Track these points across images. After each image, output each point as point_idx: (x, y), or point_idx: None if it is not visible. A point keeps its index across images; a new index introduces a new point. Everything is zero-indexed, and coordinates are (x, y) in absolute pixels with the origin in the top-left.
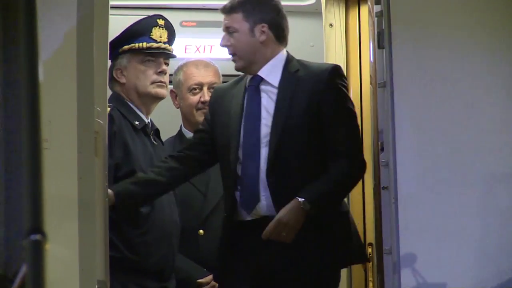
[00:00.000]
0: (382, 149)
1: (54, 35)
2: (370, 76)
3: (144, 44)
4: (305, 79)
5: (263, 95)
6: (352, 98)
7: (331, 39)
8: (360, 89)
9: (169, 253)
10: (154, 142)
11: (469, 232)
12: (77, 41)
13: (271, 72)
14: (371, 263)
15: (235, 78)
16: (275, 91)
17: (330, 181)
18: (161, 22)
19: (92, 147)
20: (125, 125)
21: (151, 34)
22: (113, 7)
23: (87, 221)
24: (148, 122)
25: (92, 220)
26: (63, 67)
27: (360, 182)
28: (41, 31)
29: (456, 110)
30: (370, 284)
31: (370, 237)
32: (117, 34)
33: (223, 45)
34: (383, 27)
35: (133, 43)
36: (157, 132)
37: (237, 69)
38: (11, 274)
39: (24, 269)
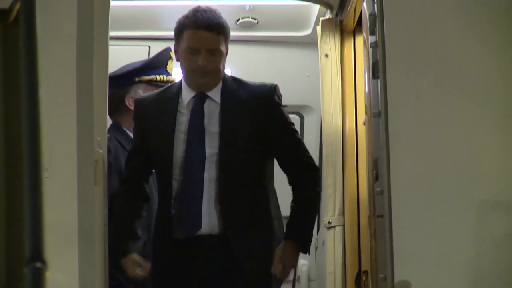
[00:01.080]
0: (377, 178)
1: (54, 65)
2: (365, 105)
3: (164, 77)
4: (247, 98)
5: (206, 112)
6: (347, 127)
7: (327, 69)
8: (355, 118)
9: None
10: None
11: (463, 259)
12: (77, 72)
13: (215, 90)
14: None
15: (156, 90)
16: (218, 108)
17: (312, 212)
18: (172, 55)
19: (91, 176)
20: (122, 154)
21: (167, 66)
22: (112, 38)
23: (87, 249)
24: None
25: (91, 248)
26: (63, 98)
27: (356, 211)
28: (41, 62)
29: (451, 138)
30: None
31: (365, 265)
32: (115, 64)
33: (206, 65)
34: (378, 58)
35: (153, 74)
36: None
37: (206, 87)
38: None
39: None
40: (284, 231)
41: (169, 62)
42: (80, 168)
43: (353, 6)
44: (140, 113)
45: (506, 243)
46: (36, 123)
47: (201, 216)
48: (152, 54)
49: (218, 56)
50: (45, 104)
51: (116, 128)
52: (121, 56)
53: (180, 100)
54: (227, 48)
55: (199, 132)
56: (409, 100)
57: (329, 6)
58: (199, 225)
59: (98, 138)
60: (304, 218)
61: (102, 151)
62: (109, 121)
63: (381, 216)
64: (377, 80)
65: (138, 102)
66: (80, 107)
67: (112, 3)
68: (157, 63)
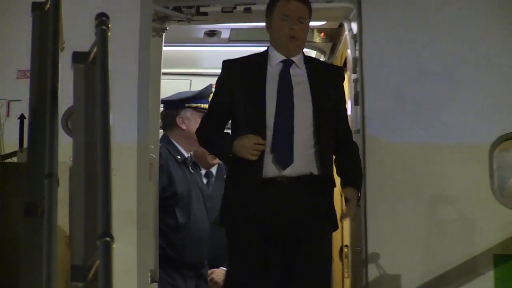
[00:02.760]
0: None
1: (121, 95)
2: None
3: (205, 106)
4: (325, 70)
5: (296, 74)
6: None
7: None
8: None
9: (201, 251)
10: (192, 171)
11: (418, 237)
12: (137, 99)
13: (299, 60)
14: (347, 260)
15: (242, 56)
16: (303, 74)
17: (360, 166)
18: (213, 89)
19: (147, 174)
20: (170, 158)
21: (208, 98)
22: (164, 74)
23: (143, 228)
24: (188, 156)
25: (146, 227)
26: (127, 118)
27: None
28: (111, 91)
29: (412, 150)
30: (346, 275)
31: (346, 240)
32: (166, 93)
33: (296, 30)
34: (358, 90)
35: (199, 103)
36: (195, 163)
37: (294, 52)
38: (88, 265)
39: (97, 262)
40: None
41: (210, 95)
42: (139, 169)
43: (340, 52)
44: (230, 73)
45: (449, 226)
46: (107, 137)
47: (293, 154)
48: (192, 87)
49: (305, 24)
50: (114, 123)
51: (166, 139)
52: (171, 87)
53: (268, 64)
54: (309, 21)
55: (289, 90)
56: (381, 121)
57: (323, 52)
58: (291, 160)
59: (152, 147)
60: (357, 169)
61: (155, 156)
62: (160, 134)
63: (359, 205)
64: (357, 106)
65: (229, 64)
66: (139, 125)
67: (164, 48)
68: (203, 95)
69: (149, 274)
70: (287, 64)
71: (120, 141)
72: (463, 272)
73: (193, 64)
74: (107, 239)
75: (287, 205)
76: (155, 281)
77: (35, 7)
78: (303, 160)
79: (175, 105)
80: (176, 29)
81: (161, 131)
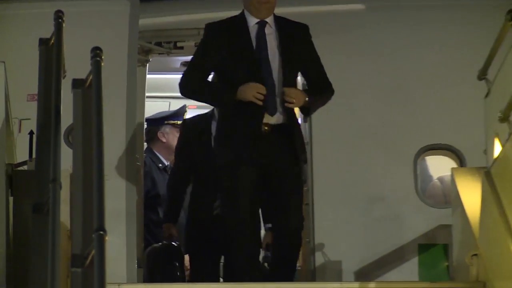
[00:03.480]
0: (305, 182)
1: (112, 115)
2: None
3: (180, 122)
4: (292, 27)
5: (269, 34)
6: None
7: None
8: None
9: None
10: None
11: (356, 230)
12: (126, 118)
13: (271, 20)
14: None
15: (224, 19)
16: (274, 33)
17: (325, 90)
18: (186, 108)
19: (134, 179)
20: (153, 166)
21: (183, 116)
22: (148, 97)
23: (131, 223)
24: (167, 164)
25: (133, 222)
26: (117, 134)
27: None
28: (104, 112)
29: (350, 164)
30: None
31: None
32: (150, 112)
33: (268, 1)
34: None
35: (176, 120)
36: None
37: (266, 15)
38: (85, 254)
39: (93, 251)
40: None
41: (185, 113)
42: (127, 175)
43: None
44: (215, 35)
45: (382, 221)
46: (101, 149)
47: (276, 104)
48: (171, 108)
49: None
50: (106, 138)
51: (149, 150)
52: (153, 107)
53: (244, 27)
54: None
55: (264, 51)
56: (327, 136)
57: None
58: (275, 110)
59: (138, 156)
60: (321, 94)
61: (140, 164)
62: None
63: (307, 204)
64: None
65: (212, 26)
66: (127, 139)
67: (147, 76)
68: (179, 113)
69: (136, 261)
70: (262, 25)
71: (111, 152)
72: (393, 258)
73: (171, 89)
74: (101, 232)
75: (270, 149)
76: (141, 267)
77: (42, 42)
78: (289, 113)
79: (157, 122)
80: (157, 60)
81: (145, 144)
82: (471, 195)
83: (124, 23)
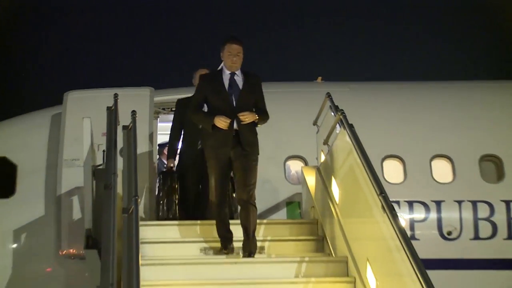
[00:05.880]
0: None
1: (141, 146)
2: None
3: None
4: (251, 77)
5: (236, 80)
6: None
7: None
8: None
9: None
10: None
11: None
12: (148, 143)
13: (239, 72)
14: None
15: (210, 72)
16: (241, 80)
17: (265, 114)
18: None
19: (152, 173)
20: (162, 166)
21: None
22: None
23: (149, 192)
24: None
25: (151, 194)
26: (143, 150)
27: None
28: (138, 146)
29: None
30: None
31: None
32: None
33: (236, 59)
34: None
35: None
36: None
37: (236, 68)
38: (129, 207)
39: (132, 206)
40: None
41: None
42: (149, 172)
43: None
44: (204, 81)
45: (268, 193)
46: (135, 157)
47: (234, 121)
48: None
49: (240, 54)
50: (139, 151)
51: (160, 160)
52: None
53: (223, 76)
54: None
55: (234, 91)
56: None
57: None
58: (233, 125)
59: (154, 162)
60: (262, 113)
61: (155, 166)
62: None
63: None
64: None
65: (203, 77)
66: (149, 156)
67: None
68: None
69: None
70: (232, 75)
71: (141, 158)
72: (275, 210)
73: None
74: (136, 197)
75: (239, 141)
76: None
77: (108, 108)
78: (245, 125)
79: (162, 147)
80: (164, 118)
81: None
82: (310, 179)
83: (147, 99)
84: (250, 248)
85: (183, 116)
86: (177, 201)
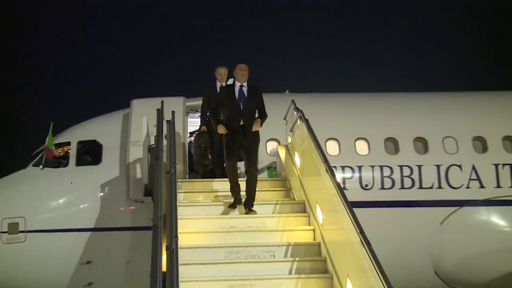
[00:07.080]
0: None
1: (178, 138)
2: None
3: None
4: (254, 88)
5: (243, 91)
6: None
7: None
8: None
9: None
10: None
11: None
12: (182, 132)
13: (246, 84)
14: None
15: (225, 85)
16: (246, 90)
17: (265, 116)
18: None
19: (183, 153)
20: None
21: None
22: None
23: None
24: None
25: (185, 164)
26: (178, 139)
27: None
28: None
29: None
30: None
31: None
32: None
33: (244, 74)
34: None
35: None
36: None
37: (244, 81)
38: (170, 171)
39: (172, 170)
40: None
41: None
42: (183, 149)
43: None
44: (221, 92)
45: (262, 162)
46: (174, 142)
47: (241, 121)
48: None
49: (246, 72)
50: (176, 140)
51: (190, 142)
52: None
53: (234, 87)
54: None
55: (242, 99)
56: None
57: None
58: (240, 121)
59: (186, 143)
60: (263, 117)
61: (186, 145)
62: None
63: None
64: None
65: (221, 88)
66: (183, 139)
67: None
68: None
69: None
70: (241, 86)
71: (177, 143)
72: (260, 172)
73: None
74: (175, 163)
75: (244, 133)
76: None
77: (157, 110)
78: (249, 121)
79: (191, 133)
80: (192, 115)
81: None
82: (282, 152)
83: (181, 104)
84: (250, 204)
85: (208, 98)
86: (209, 151)
